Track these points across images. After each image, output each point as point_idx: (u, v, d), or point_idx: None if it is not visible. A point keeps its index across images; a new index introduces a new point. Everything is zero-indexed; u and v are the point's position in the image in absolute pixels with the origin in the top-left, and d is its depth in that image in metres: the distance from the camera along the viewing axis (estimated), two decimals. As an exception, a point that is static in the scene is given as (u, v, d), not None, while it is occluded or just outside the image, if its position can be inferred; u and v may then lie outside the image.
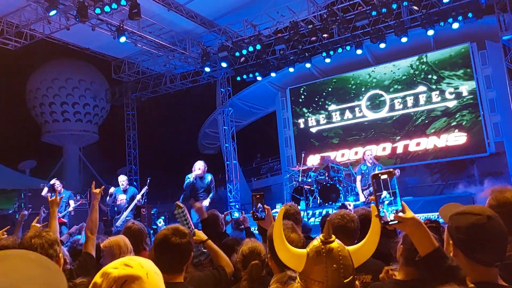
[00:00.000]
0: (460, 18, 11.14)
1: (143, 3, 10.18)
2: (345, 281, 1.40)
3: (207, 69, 13.87)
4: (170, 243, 2.32)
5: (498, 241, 1.65)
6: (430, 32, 11.72)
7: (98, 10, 10.06)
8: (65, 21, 11.08)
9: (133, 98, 16.62)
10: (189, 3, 11.85)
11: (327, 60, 13.09)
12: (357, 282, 1.46)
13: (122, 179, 8.87)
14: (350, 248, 1.49)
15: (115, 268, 1.15)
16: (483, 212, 1.70)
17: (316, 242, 1.47)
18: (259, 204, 2.98)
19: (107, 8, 9.96)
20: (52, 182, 9.64)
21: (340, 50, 12.62)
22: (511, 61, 11.16)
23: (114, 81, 16.55)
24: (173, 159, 18.65)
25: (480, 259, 1.63)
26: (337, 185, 10.80)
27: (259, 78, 14.46)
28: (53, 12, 9.99)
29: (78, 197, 12.37)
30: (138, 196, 8.72)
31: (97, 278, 1.16)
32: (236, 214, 10.67)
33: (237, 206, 14.75)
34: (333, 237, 1.48)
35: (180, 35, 13.21)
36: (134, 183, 15.90)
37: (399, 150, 13.23)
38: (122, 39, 11.36)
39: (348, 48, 12.58)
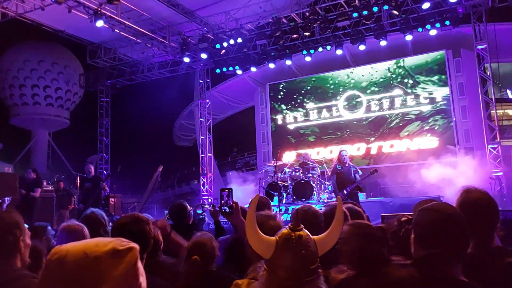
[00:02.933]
0: (437, 25, 11.39)
1: (124, -13, 9.94)
2: (311, 267, 1.48)
3: (186, 59, 13.68)
4: (127, 229, 2.27)
5: (458, 238, 1.68)
6: (409, 37, 11.94)
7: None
8: (40, 0, 10.67)
9: (108, 84, 16.21)
10: (171, -9, 11.66)
11: (307, 59, 13.15)
12: (320, 270, 1.53)
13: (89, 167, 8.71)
14: (316, 237, 1.57)
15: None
16: (445, 209, 1.74)
17: (285, 230, 1.54)
18: (227, 199, 2.97)
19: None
20: None
21: (320, 49, 12.69)
22: (484, 70, 11.52)
23: (89, 66, 16.10)
24: (147, 150, 18.39)
25: (436, 258, 1.66)
26: (311, 182, 10.88)
27: (239, 72, 14.38)
28: (28, -10, 9.62)
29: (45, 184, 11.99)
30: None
31: None
32: (207, 207, 10.61)
33: (209, 199, 14.67)
34: (301, 226, 1.55)
35: (160, 23, 12.97)
36: (104, 171, 15.57)
37: (373, 151, 13.46)
38: (99, 23, 11.05)
39: (328, 47, 12.67)
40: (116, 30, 12.38)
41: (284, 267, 1.47)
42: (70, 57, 21.57)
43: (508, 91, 18.83)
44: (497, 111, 11.81)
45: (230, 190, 2.98)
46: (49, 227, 3.75)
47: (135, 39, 13.42)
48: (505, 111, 18.58)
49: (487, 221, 2.01)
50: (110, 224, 3.79)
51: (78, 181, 12.19)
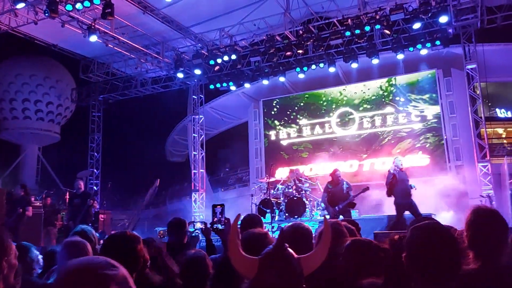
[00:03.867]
0: (428, 45, 11.60)
1: (118, 3, 9.99)
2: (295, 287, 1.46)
3: (180, 75, 13.70)
4: (117, 248, 2.27)
5: (449, 257, 1.69)
6: (400, 56, 12.12)
7: (69, 7, 9.76)
8: (34, 15, 10.66)
9: (101, 99, 16.14)
10: (166, 8, 11.72)
11: (301, 76, 13.25)
12: None
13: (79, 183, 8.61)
14: (301, 256, 1.54)
15: None
16: (435, 228, 1.76)
17: (269, 249, 1.53)
18: (220, 216, 2.93)
19: (79, 6, 9.68)
20: None
21: (313, 66, 12.81)
22: (473, 89, 11.71)
23: (81, 80, 16.05)
24: (139, 165, 18.22)
25: (430, 276, 1.66)
26: (304, 199, 10.83)
27: (232, 88, 14.43)
28: (21, 5, 9.63)
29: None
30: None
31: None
32: (199, 225, 10.49)
33: (201, 216, 14.51)
34: (286, 245, 1.53)
35: (154, 39, 13.03)
36: (95, 187, 15.38)
37: (366, 167, 13.50)
38: (93, 38, 11.06)
39: (321, 65, 12.79)
40: (109, 45, 12.41)
41: (266, 287, 1.45)
42: (62, 71, 21.48)
43: (497, 109, 19.16)
44: (487, 129, 11.98)
45: (223, 206, 2.95)
46: (33, 249, 3.56)
47: (128, 54, 13.45)
48: (495, 129, 18.85)
49: (496, 239, 2.03)
50: (101, 241, 3.72)
51: (68, 197, 12.00)
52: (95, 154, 16.02)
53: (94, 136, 16.12)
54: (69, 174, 17.24)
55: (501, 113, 19.09)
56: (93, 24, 10.93)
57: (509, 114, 19.37)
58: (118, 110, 16.78)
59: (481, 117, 11.58)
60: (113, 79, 15.37)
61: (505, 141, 18.58)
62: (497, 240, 2.02)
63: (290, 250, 1.53)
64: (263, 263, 1.49)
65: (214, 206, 2.92)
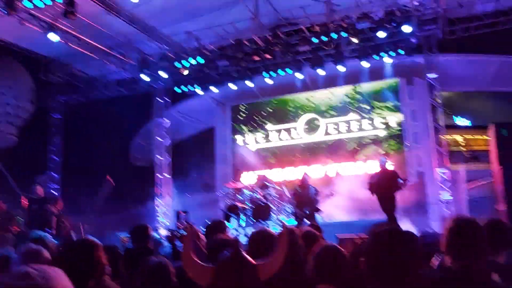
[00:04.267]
0: (392, 54, 11.91)
1: (81, 2, 9.66)
2: None
3: (145, 78, 13.40)
4: (74, 255, 2.28)
5: (402, 262, 1.72)
6: (365, 64, 12.37)
7: (28, 4, 9.35)
8: (-11, 11, 10.13)
9: (61, 101, 15.56)
10: (132, 8, 11.42)
11: (269, 81, 13.29)
12: None
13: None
14: (258, 262, 1.54)
15: None
16: (391, 234, 1.81)
17: (225, 256, 1.52)
18: (184, 222, 2.88)
19: (39, 3, 9.31)
20: None
21: (281, 72, 12.86)
22: (434, 98, 12.10)
23: (41, 81, 15.39)
24: (101, 169, 17.64)
25: (386, 279, 1.69)
26: (270, 205, 10.83)
27: (199, 92, 14.26)
28: (-25, 0, 9.13)
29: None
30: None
31: None
32: (164, 232, 10.26)
33: (166, 222, 14.23)
34: (242, 252, 1.53)
35: (119, 39, 12.68)
36: (54, 192, 14.79)
37: (331, 173, 13.66)
38: (54, 37, 10.66)
39: (289, 71, 12.87)
40: (71, 45, 11.96)
41: None
42: (20, 71, 20.49)
43: (456, 118, 19.96)
44: (446, 137, 12.42)
45: (187, 212, 2.89)
46: None
47: (91, 55, 13.01)
48: (453, 137, 19.64)
49: (473, 244, 2.16)
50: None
51: (24, 201, 11.46)
52: (55, 157, 15.42)
53: (54, 139, 15.51)
54: (27, 179, 16.48)
55: (460, 121, 19.93)
56: (53, 22, 10.52)
57: (467, 123, 20.26)
58: (80, 113, 16.20)
59: (441, 125, 11.97)
60: (74, 80, 14.85)
61: (463, 148, 19.38)
62: (476, 247, 2.14)
63: (247, 256, 1.52)
64: (219, 271, 1.47)
65: (178, 213, 2.82)
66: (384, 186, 8.62)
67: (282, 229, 1.72)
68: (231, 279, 1.45)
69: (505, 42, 12.91)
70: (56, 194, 14.63)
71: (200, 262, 1.54)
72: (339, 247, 2.60)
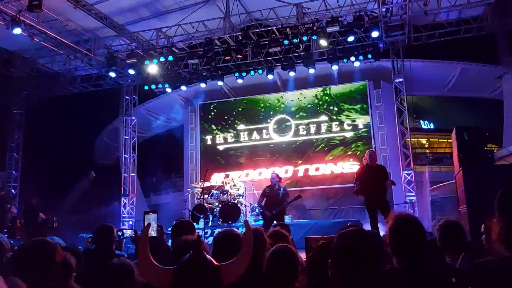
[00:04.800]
0: (360, 57, 12.13)
1: (47, -4, 9.32)
2: None
3: (112, 74, 13.07)
4: (29, 256, 2.18)
5: (370, 263, 1.76)
6: (335, 67, 12.56)
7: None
8: None
9: (23, 96, 14.96)
10: (99, 3, 11.12)
11: (239, 81, 13.26)
12: None
13: None
14: (222, 264, 1.49)
15: None
16: (357, 234, 1.85)
17: (185, 258, 1.46)
18: (152, 223, 2.81)
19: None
20: None
21: (252, 72, 12.87)
22: (401, 101, 12.43)
23: (2, 75, 14.72)
24: (64, 167, 17.09)
25: (348, 279, 1.73)
26: (239, 205, 10.81)
27: (168, 90, 14.05)
28: None
29: None
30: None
31: None
32: (128, 232, 10.03)
33: (131, 222, 13.94)
34: (204, 253, 1.48)
35: (86, 35, 12.33)
36: (13, 190, 14.22)
37: (300, 173, 13.81)
38: (17, 30, 10.23)
39: (260, 71, 12.89)
40: (36, 39, 11.52)
41: None
42: (-21, 64, 19.62)
43: (421, 121, 20.60)
44: (412, 139, 12.78)
45: (156, 213, 2.83)
46: None
47: (56, 50, 12.58)
48: (419, 139, 20.27)
49: (414, 241, 2.18)
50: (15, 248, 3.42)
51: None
52: (15, 154, 14.80)
53: (14, 135, 14.88)
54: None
55: (424, 124, 20.58)
56: (17, 16, 10.09)
57: (431, 126, 20.95)
58: (44, 109, 15.61)
59: (406, 128, 12.32)
60: (38, 75, 14.30)
61: (427, 151, 20.01)
62: (415, 244, 2.14)
63: (209, 257, 1.47)
64: (179, 274, 1.41)
65: (145, 213, 2.76)
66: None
67: (245, 228, 1.67)
68: (192, 282, 1.39)
69: (466, 49, 13.47)
70: (14, 192, 14.05)
71: (157, 264, 1.47)
72: (290, 247, 2.62)
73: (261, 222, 9.40)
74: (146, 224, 1.69)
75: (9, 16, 10.17)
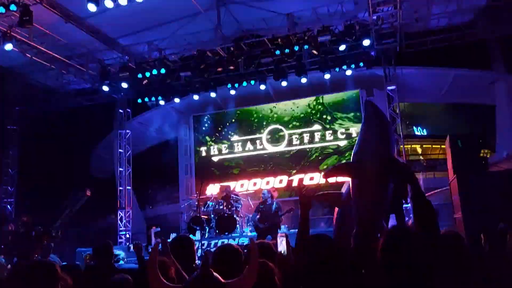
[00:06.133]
0: (353, 66, 12.19)
1: (37, 10, 9.36)
2: None
3: (106, 88, 13.08)
4: (29, 276, 2.20)
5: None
6: (327, 76, 12.59)
7: (-19, 12, 8.97)
8: None
9: (17, 112, 14.95)
10: (90, 18, 11.15)
11: (232, 92, 13.29)
12: None
13: None
14: (228, 282, 1.52)
15: None
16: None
17: (194, 276, 1.50)
18: (156, 238, 2.81)
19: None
20: None
21: (244, 83, 12.90)
22: (394, 109, 12.46)
23: (-5, 91, 14.73)
24: (60, 182, 17.04)
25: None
26: (235, 216, 10.78)
27: (161, 103, 14.07)
28: None
29: None
30: None
31: None
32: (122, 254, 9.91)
33: (127, 235, 13.86)
34: (211, 270, 1.50)
35: (78, 49, 12.36)
36: (8, 206, 14.12)
37: (295, 183, 13.78)
38: (8, 46, 10.25)
39: (252, 82, 12.92)
40: (27, 54, 11.54)
41: None
42: (-27, 80, 19.63)
43: (414, 128, 20.66)
44: (405, 146, 12.78)
45: (158, 227, 2.83)
46: None
47: (49, 64, 12.60)
48: (412, 146, 20.31)
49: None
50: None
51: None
52: (10, 170, 14.74)
53: (9, 151, 14.84)
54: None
55: (417, 131, 20.61)
56: (8, 31, 10.12)
57: (425, 132, 21.00)
58: (38, 124, 15.62)
59: (400, 135, 12.32)
60: (31, 90, 14.29)
61: (421, 157, 20.06)
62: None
63: (216, 275, 1.49)
64: None
65: (149, 227, 2.75)
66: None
67: (250, 245, 1.72)
68: None
69: (458, 56, 13.57)
70: (9, 208, 13.95)
71: (166, 282, 1.52)
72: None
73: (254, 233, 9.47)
74: (155, 241, 1.70)
75: (0, 32, 10.20)
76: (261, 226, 9.01)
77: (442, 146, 18.92)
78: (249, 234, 10.55)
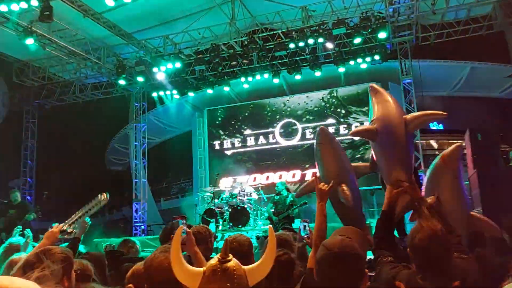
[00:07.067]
0: (368, 59, 12.08)
1: (57, 6, 9.52)
2: None
3: (122, 82, 13.27)
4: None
5: (340, 276, 1.82)
6: (341, 69, 12.53)
7: (4, 7, 9.17)
8: (-39, 14, 9.89)
9: (35, 105, 15.28)
10: (108, 12, 11.31)
11: (245, 86, 13.33)
12: None
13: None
14: (247, 267, 1.55)
15: None
16: (333, 247, 1.88)
17: (213, 261, 1.53)
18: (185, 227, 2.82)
19: (14, 7, 9.14)
20: None
21: (258, 77, 12.92)
22: (409, 102, 12.34)
23: (14, 84, 15.06)
24: (76, 174, 17.37)
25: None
26: (248, 209, 10.83)
27: (176, 96, 14.21)
28: None
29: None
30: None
31: None
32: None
33: (142, 227, 14.08)
34: (230, 256, 1.54)
35: (95, 43, 12.54)
36: (28, 197, 14.47)
37: (308, 177, 13.75)
38: (29, 41, 10.48)
39: (266, 75, 12.93)
40: (47, 48, 11.79)
41: None
42: (-7, 74, 20.06)
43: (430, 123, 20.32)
44: (421, 141, 12.65)
45: (184, 218, 2.84)
46: None
47: (67, 58, 12.84)
48: (428, 141, 20.04)
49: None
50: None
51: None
52: (29, 162, 15.09)
53: (28, 143, 15.19)
54: (0, 183, 16.10)
55: (433, 125, 20.29)
56: (29, 26, 10.33)
57: (441, 127, 20.65)
58: (55, 116, 15.94)
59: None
60: (49, 83, 14.59)
61: (437, 152, 19.68)
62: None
63: (235, 260, 1.53)
64: (207, 276, 1.49)
65: (173, 219, 2.78)
66: None
67: (269, 233, 1.72)
68: (220, 283, 1.46)
69: (475, 48, 13.32)
70: (29, 199, 14.30)
71: (188, 266, 1.56)
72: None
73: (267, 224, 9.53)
74: (177, 229, 1.77)
75: (22, 27, 10.42)
76: (275, 218, 9.05)
77: (459, 141, 18.61)
78: (262, 227, 10.61)
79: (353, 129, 13.58)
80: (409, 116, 3.69)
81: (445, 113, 3.39)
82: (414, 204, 2.79)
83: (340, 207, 3.83)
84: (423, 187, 3.65)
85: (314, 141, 3.94)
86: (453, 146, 3.69)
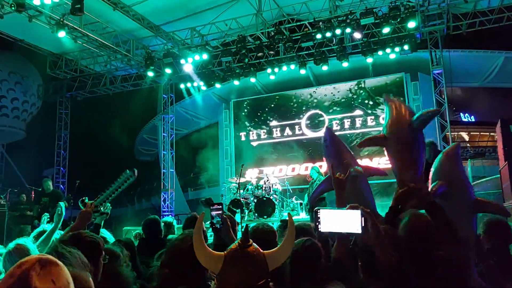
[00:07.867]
0: (397, 49, 11.84)
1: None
2: (258, 283, 1.50)
3: (150, 74, 13.51)
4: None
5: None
6: (369, 60, 12.33)
7: (36, 1, 9.47)
8: (-1, 8, 10.27)
9: (68, 96, 15.77)
10: (136, 5, 11.53)
11: (272, 77, 13.32)
12: (271, 284, 1.56)
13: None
14: (266, 252, 1.59)
15: None
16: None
17: (234, 245, 1.58)
18: (216, 214, 2.83)
19: (47, 0, 9.43)
20: None
21: (284, 68, 12.88)
22: (440, 93, 12.05)
23: (48, 77, 15.59)
24: (107, 164, 17.85)
25: None
26: (273, 200, 10.90)
27: (203, 88, 14.36)
28: (-15, -2, 9.26)
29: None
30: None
31: None
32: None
33: (170, 216, 14.36)
34: (250, 241, 1.58)
35: (125, 36, 12.80)
36: (61, 186, 15.00)
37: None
38: (61, 34, 10.78)
39: (292, 67, 12.88)
40: (78, 41, 12.11)
41: (230, 282, 1.50)
42: (28, 67, 20.69)
43: (461, 114, 19.81)
44: (451, 133, 12.35)
45: (221, 204, 2.86)
46: None
47: (98, 51, 13.17)
48: (459, 133, 19.52)
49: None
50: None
51: (33, 195, 11.63)
52: (62, 152, 15.65)
53: (61, 133, 15.74)
54: (35, 172, 16.75)
55: (465, 117, 19.75)
56: (61, 19, 10.64)
57: (472, 119, 20.07)
58: (86, 108, 16.42)
59: (446, 121, 11.92)
60: (81, 76, 15.01)
61: (468, 145, 19.22)
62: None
63: (255, 245, 1.58)
64: (228, 260, 1.54)
65: (211, 204, 2.77)
66: None
67: (288, 220, 1.78)
68: (240, 267, 1.51)
69: (509, 38, 12.83)
70: (62, 188, 14.82)
71: (210, 250, 1.61)
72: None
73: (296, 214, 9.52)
74: (200, 215, 1.83)
75: (54, 20, 10.74)
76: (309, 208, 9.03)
77: (491, 133, 18.04)
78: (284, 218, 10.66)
79: (381, 121, 13.39)
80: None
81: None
82: (422, 203, 2.81)
83: (354, 200, 3.91)
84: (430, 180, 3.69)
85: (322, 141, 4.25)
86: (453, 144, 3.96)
